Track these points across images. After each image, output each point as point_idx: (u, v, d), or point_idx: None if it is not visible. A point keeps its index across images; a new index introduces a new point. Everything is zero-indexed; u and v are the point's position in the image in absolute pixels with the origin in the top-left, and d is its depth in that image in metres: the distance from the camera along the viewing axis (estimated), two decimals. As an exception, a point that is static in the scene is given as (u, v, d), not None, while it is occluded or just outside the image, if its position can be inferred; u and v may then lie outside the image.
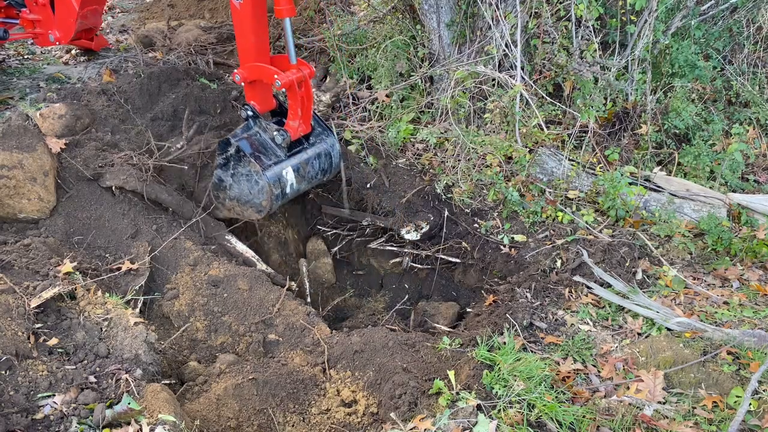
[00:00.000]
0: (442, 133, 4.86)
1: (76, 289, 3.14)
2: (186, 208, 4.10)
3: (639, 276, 3.73)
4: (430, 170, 4.76)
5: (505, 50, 4.81)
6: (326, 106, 5.28)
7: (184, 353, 3.53)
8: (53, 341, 2.81)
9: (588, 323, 3.39)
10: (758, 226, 4.02)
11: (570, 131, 4.75)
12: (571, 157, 4.62)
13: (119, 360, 2.83)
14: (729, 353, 3.02)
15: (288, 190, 4.05)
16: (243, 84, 3.92)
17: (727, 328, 3.22)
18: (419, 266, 4.84)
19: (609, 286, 3.64)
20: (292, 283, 4.12)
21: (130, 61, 5.31)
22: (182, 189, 4.27)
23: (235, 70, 3.88)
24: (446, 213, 4.57)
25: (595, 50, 4.81)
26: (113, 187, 3.88)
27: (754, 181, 4.85)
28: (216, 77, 5.11)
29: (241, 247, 4.23)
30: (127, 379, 2.65)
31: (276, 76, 3.68)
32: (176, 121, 4.49)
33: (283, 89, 3.80)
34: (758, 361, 2.94)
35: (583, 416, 2.69)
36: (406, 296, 4.90)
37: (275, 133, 3.95)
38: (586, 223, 4.19)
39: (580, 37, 4.82)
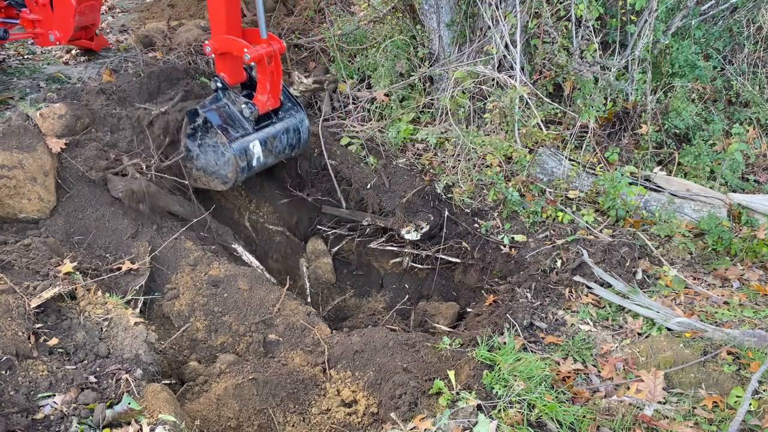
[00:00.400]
0: (442, 133, 4.86)
1: (76, 289, 3.14)
2: (196, 217, 4.14)
3: (639, 276, 3.73)
4: (430, 170, 4.76)
5: (504, 51, 4.81)
6: (306, 89, 5.25)
7: (185, 353, 3.53)
8: (53, 341, 2.81)
9: (588, 323, 3.39)
10: (758, 226, 4.02)
11: (570, 131, 4.75)
12: (571, 157, 4.62)
13: (119, 360, 2.83)
14: (729, 353, 3.02)
15: (254, 163, 4.08)
16: (213, 56, 3.95)
17: (728, 328, 3.22)
18: (419, 266, 4.84)
19: (609, 286, 3.64)
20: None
21: (130, 61, 5.31)
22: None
23: (206, 41, 3.91)
24: (446, 213, 4.57)
25: (596, 50, 4.81)
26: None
27: (755, 181, 4.85)
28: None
29: (247, 257, 4.27)
30: (127, 379, 2.65)
31: (246, 50, 3.71)
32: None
33: (253, 63, 3.83)
34: (758, 361, 2.94)
35: (584, 416, 2.69)
36: (407, 296, 4.90)
37: (243, 106, 3.96)
38: (587, 223, 4.19)
39: (580, 37, 4.82)
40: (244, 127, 4.03)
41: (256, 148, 4.04)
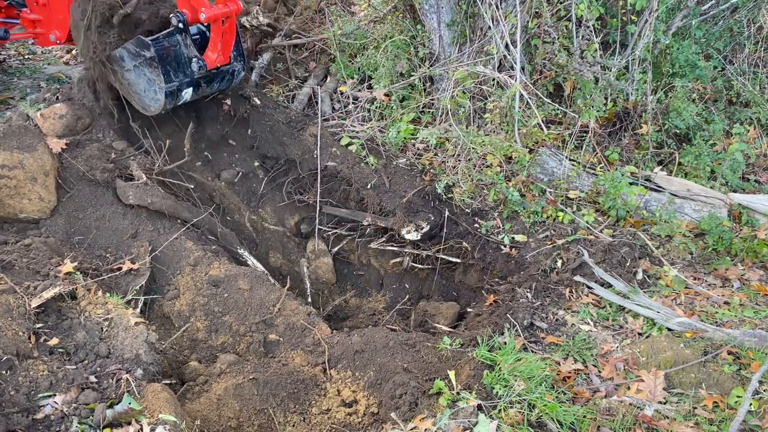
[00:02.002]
0: (442, 133, 4.86)
1: (76, 289, 3.14)
2: (204, 221, 4.15)
3: (639, 276, 3.73)
4: (431, 170, 4.76)
5: (505, 51, 4.81)
6: (258, 24, 5.18)
7: (185, 353, 3.53)
8: (54, 341, 2.81)
9: (588, 323, 3.39)
10: (759, 226, 4.02)
11: (570, 131, 4.75)
12: (571, 157, 4.62)
13: (120, 360, 2.83)
14: (729, 353, 3.02)
15: (180, 102, 4.08)
16: None
17: (728, 328, 3.22)
18: (420, 266, 4.84)
19: (609, 286, 3.64)
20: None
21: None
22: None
23: None
24: (447, 213, 4.57)
25: (596, 50, 4.81)
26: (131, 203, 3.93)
27: (755, 181, 4.85)
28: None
29: (252, 262, 4.28)
30: (127, 379, 2.66)
31: (203, 9, 3.74)
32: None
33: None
34: (759, 361, 2.94)
35: (584, 416, 2.69)
36: (407, 296, 4.90)
37: (193, 59, 3.94)
38: (587, 223, 4.19)
39: (580, 37, 4.82)
40: (186, 73, 3.99)
41: (188, 94, 4.04)
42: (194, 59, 3.93)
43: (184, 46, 3.92)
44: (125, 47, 3.89)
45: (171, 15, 3.82)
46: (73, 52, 5.78)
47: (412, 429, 2.68)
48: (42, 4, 4.82)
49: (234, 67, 4.27)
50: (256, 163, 4.85)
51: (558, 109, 4.83)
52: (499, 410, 2.70)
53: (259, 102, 4.93)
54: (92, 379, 2.66)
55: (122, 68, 3.98)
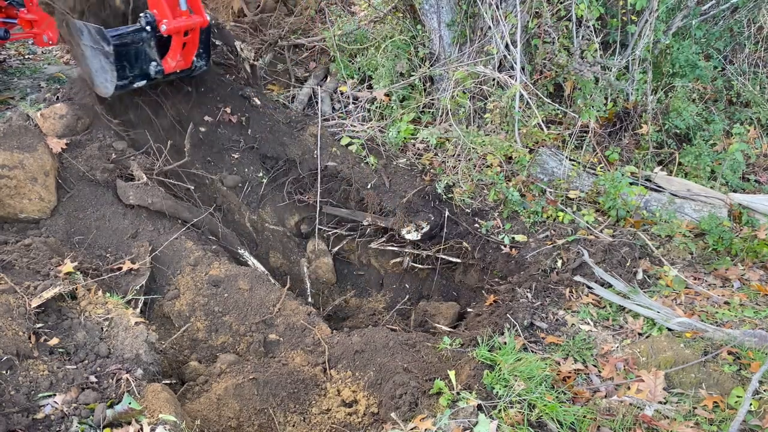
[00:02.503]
0: (442, 133, 4.86)
1: (76, 289, 3.15)
2: (204, 221, 4.15)
3: (640, 276, 3.73)
4: (431, 170, 4.76)
5: (505, 51, 4.81)
6: (246, 57, 5.06)
7: (185, 353, 3.53)
8: (54, 341, 2.81)
9: (589, 323, 3.39)
10: (759, 226, 4.01)
11: (571, 131, 4.75)
12: (571, 157, 4.62)
13: (120, 360, 2.83)
14: (730, 353, 3.02)
15: (129, 89, 4.01)
16: None
17: (728, 328, 3.22)
18: (420, 266, 4.84)
19: (610, 286, 3.64)
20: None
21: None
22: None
23: None
24: (447, 213, 4.57)
25: (596, 50, 4.81)
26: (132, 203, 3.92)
27: (755, 181, 4.85)
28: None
29: (253, 262, 4.28)
30: (127, 379, 2.66)
31: (164, 21, 3.67)
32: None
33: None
34: (759, 361, 2.94)
35: (584, 416, 2.69)
36: (407, 296, 4.90)
37: (152, 63, 3.87)
38: (587, 223, 4.19)
39: (580, 37, 4.82)
40: (142, 69, 3.91)
41: (141, 84, 3.98)
42: (153, 63, 3.86)
43: (147, 45, 3.83)
44: (87, 25, 3.75)
45: (141, 14, 3.74)
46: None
47: (412, 429, 2.68)
48: (36, 4, 4.81)
49: (195, 64, 4.20)
50: (260, 174, 4.86)
51: (558, 109, 4.83)
52: (499, 410, 2.70)
53: (259, 102, 4.94)
54: (92, 379, 2.66)
55: (80, 40, 3.85)
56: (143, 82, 3.96)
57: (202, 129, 4.62)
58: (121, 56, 3.71)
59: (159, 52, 3.94)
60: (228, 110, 4.74)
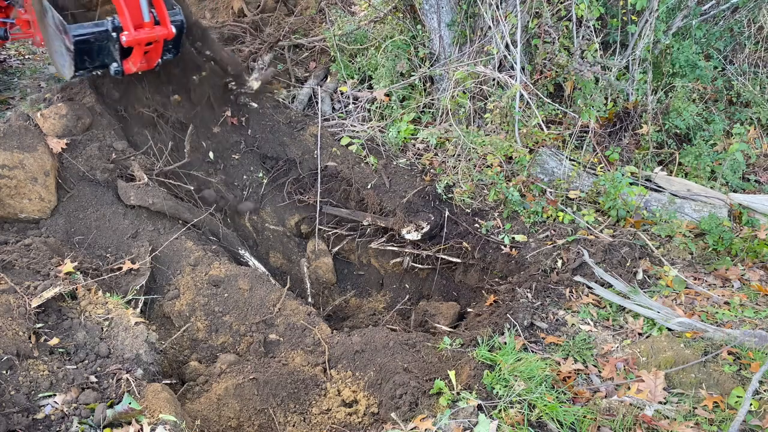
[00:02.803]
0: (442, 133, 4.86)
1: (76, 289, 3.15)
2: (204, 222, 4.14)
3: (640, 276, 3.73)
4: (431, 170, 4.76)
5: (505, 51, 4.81)
6: (252, 93, 4.92)
7: (185, 353, 3.54)
8: (54, 341, 2.81)
9: (589, 323, 3.39)
10: (759, 226, 4.01)
11: (571, 131, 4.75)
12: (572, 157, 4.62)
13: (120, 360, 2.83)
14: (730, 353, 3.02)
15: (87, 76, 3.96)
16: None
17: (728, 328, 3.22)
18: (420, 266, 4.84)
19: (610, 286, 3.64)
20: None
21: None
22: None
23: None
24: (447, 213, 4.57)
25: (596, 50, 4.81)
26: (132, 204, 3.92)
27: (755, 181, 4.85)
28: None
29: (254, 263, 4.28)
30: (127, 379, 2.66)
31: (124, 33, 3.59)
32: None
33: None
34: (759, 361, 2.94)
35: (584, 416, 2.69)
36: (407, 296, 4.90)
37: (114, 63, 3.80)
38: (587, 223, 4.19)
39: (581, 37, 4.82)
40: (103, 62, 3.84)
41: (99, 72, 3.93)
42: (114, 64, 3.79)
43: (111, 45, 3.75)
44: (52, 11, 3.67)
45: (109, 17, 3.66)
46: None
47: (412, 429, 2.68)
48: (31, 4, 4.80)
49: (162, 57, 4.10)
50: (261, 174, 4.86)
51: (558, 109, 4.83)
52: (500, 410, 2.70)
53: (256, 105, 4.93)
54: (92, 379, 2.67)
55: (45, 19, 3.78)
56: (102, 70, 3.91)
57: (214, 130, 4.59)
58: (80, 52, 3.66)
59: (123, 54, 3.84)
60: (230, 120, 4.73)
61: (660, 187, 4.40)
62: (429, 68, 5.12)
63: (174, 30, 3.81)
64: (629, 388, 2.86)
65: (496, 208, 4.47)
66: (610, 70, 4.92)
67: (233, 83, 4.64)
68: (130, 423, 2.46)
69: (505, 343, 3.12)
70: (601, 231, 4.11)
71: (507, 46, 4.81)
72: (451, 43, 5.20)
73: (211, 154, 4.67)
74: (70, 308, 3.06)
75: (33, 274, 3.18)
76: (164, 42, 3.92)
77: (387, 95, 5.19)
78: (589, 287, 3.65)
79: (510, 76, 4.75)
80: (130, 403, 2.50)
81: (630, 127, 5.06)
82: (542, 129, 4.68)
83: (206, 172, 4.58)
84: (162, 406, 2.56)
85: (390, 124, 5.07)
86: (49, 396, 2.52)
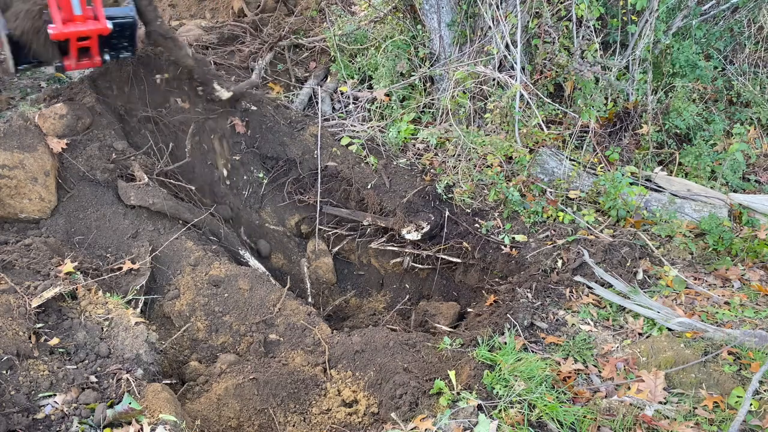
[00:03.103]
0: (442, 133, 4.86)
1: (77, 289, 3.15)
2: (204, 222, 4.14)
3: (640, 276, 3.73)
4: (431, 170, 4.76)
5: (505, 51, 4.81)
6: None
7: (185, 353, 3.54)
8: (54, 341, 2.81)
9: (589, 323, 3.39)
10: (759, 226, 4.01)
11: (571, 131, 4.75)
12: (572, 157, 4.62)
13: (120, 360, 2.83)
14: (730, 353, 3.02)
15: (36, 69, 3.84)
16: None
17: (728, 328, 3.22)
18: (420, 266, 4.84)
19: (610, 286, 3.64)
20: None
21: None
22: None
23: None
24: (447, 213, 4.57)
25: (596, 50, 4.81)
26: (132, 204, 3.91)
27: (755, 181, 4.85)
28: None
29: (253, 262, 4.28)
30: (128, 379, 2.66)
31: (51, 26, 3.37)
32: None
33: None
34: (759, 361, 2.94)
35: (584, 416, 2.69)
36: (407, 296, 4.90)
37: (56, 60, 3.64)
38: (587, 223, 4.19)
39: (581, 37, 4.82)
40: (46, 57, 3.66)
41: (45, 66, 3.82)
42: (56, 61, 3.65)
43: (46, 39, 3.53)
44: None
45: (45, 10, 3.44)
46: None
47: (412, 429, 2.68)
48: None
49: (119, 56, 3.97)
50: (261, 174, 4.86)
51: (558, 109, 4.83)
52: (500, 410, 2.70)
53: (254, 108, 4.92)
54: (92, 379, 2.67)
55: None
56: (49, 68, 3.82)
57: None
58: (17, 44, 3.51)
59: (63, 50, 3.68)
60: (238, 127, 4.72)
61: (660, 187, 4.40)
62: (429, 68, 5.12)
63: (110, 26, 3.55)
64: (629, 388, 2.86)
65: (496, 208, 4.47)
66: (610, 70, 4.92)
67: (201, 89, 4.55)
68: (130, 423, 2.46)
69: (505, 343, 3.12)
70: (601, 231, 4.11)
71: (507, 46, 4.82)
72: (451, 43, 5.20)
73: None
74: (70, 308, 3.06)
75: (33, 274, 3.18)
76: (112, 39, 3.71)
77: (387, 95, 5.19)
78: (589, 287, 3.65)
79: (510, 76, 4.75)
80: (130, 403, 2.50)
81: (630, 127, 5.06)
82: (542, 129, 4.68)
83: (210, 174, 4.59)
84: (162, 406, 2.56)
85: (390, 124, 5.07)
86: (49, 396, 2.52)
